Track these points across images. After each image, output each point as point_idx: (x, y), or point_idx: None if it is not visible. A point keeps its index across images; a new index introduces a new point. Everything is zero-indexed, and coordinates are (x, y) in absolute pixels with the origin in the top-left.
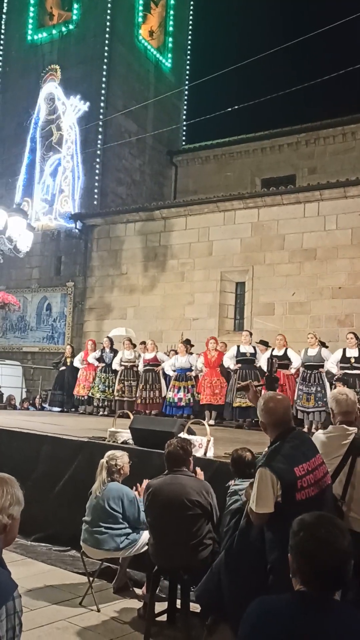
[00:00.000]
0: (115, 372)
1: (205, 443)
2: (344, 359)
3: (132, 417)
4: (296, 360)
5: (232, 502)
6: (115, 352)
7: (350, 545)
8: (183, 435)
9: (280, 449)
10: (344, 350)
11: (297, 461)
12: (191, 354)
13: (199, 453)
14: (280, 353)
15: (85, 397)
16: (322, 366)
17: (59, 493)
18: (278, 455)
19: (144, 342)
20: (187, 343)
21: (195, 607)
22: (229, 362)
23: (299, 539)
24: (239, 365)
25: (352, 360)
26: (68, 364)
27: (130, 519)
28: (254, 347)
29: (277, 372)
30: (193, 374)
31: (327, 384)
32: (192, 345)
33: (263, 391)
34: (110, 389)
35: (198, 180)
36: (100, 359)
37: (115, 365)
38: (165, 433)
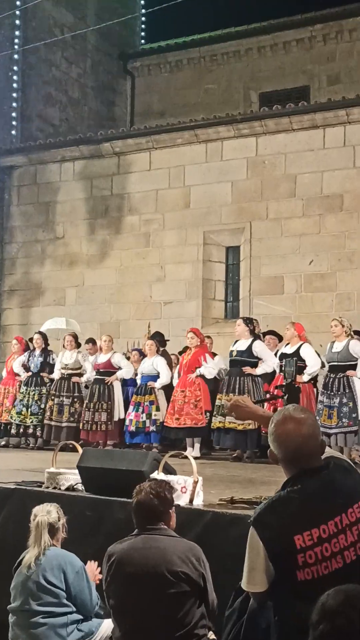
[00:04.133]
0: (48, 383)
1: (190, 485)
2: None
3: (80, 450)
4: (313, 362)
5: None
6: (48, 354)
7: None
8: (158, 475)
9: (282, 501)
10: None
11: (304, 524)
12: (164, 354)
13: (182, 500)
14: (291, 350)
15: (3, 423)
16: (352, 367)
17: None
18: (274, 511)
19: (92, 340)
20: (157, 338)
21: None
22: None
23: (318, 633)
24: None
25: None
26: None
27: (77, 599)
28: (252, 342)
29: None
30: (156, 384)
31: None
32: (167, 341)
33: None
34: (44, 409)
35: (166, 97)
36: (25, 366)
37: (57, 374)
38: (131, 473)
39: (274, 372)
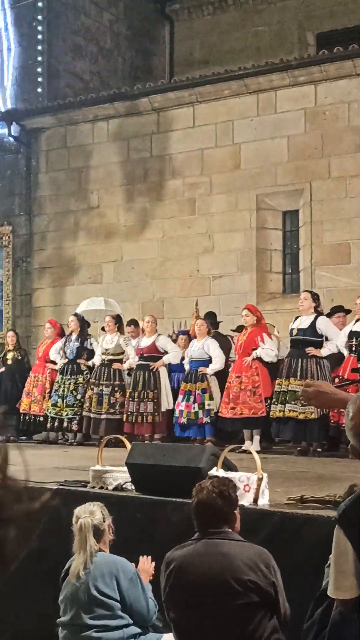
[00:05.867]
0: (85, 371)
1: (254, 483)
2: None
3: (129, 446)
4: None
5: None
6: (85, 338)
7: None
8: (217, 472)
9: None
10: None
11: None
12: (217, 336)
13: (245, 500)
14: None
15: (41, 417)
16: None
17: (17, 574)
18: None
19: (134, 322)
20: (209, 319)
21: None
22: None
23: None
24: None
25: None
26: (9, 362)
27: (133, 609)
28: (316, 318)
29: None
30: (208, 370)
31: None
32: (219, 322)
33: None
34: (81, 399)
35: (209, 43)
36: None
37: (96, 359)
38: (187, 470)
39: (340, 354)
